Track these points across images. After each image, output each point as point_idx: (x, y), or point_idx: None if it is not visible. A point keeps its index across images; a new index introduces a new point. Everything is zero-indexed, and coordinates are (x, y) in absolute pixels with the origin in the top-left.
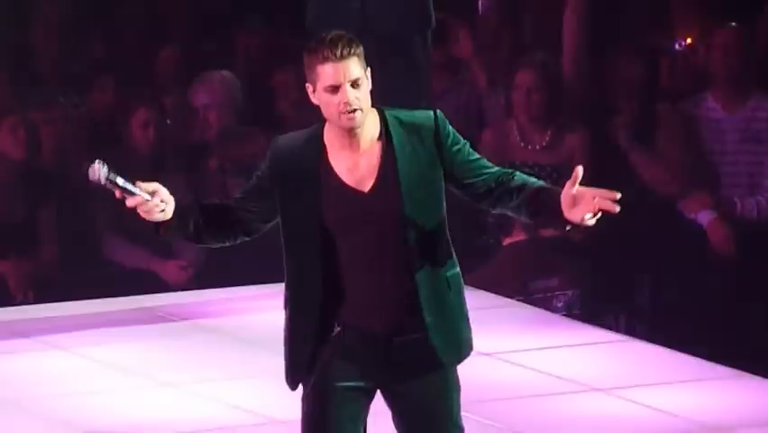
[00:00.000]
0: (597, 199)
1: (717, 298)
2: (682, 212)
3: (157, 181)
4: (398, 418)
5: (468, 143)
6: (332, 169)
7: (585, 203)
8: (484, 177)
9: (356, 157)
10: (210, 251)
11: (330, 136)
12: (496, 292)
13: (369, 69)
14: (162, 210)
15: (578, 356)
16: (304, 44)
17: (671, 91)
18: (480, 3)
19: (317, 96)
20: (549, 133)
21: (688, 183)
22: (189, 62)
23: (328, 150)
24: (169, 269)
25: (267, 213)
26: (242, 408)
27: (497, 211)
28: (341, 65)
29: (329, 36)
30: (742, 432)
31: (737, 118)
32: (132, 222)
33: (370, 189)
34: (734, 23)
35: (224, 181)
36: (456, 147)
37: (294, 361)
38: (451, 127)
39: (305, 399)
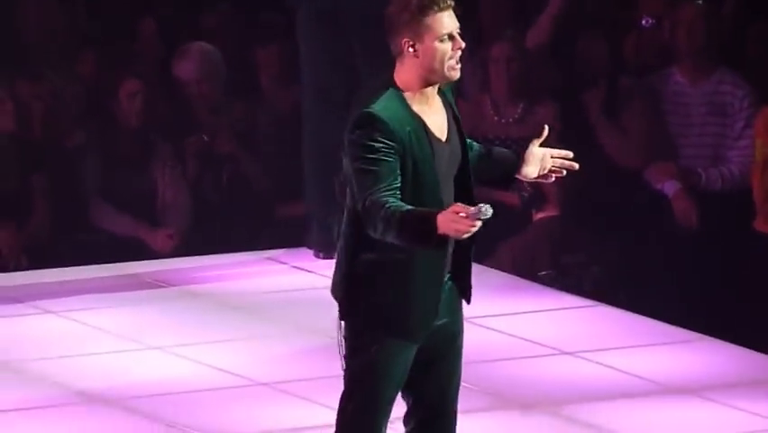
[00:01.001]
0: (556, 159)
1: (682, 265)
2: (648, 182)
3: (146, 155)
4: (424, 353)
5: None
6: (426, 126)
7: (545, 160)
8: None
9: (433, 111)
10: (197, 219)
11: (412, 96)
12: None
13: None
14: None
15: (547, 321)
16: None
17: (637, 66)
18: None
19: (423, 49)
20: (521, 106)
21: (654, 155)
22: (170, 35)
23: (415, 110)
24: (157, 237)
25: None
26: (226, 370)
27: None
28: (450, 13)
29: None
30: (704, 393)
31: (702, 91)
32: (120, 190)
33: (446, 140)
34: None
35: (210, 154)
36: None
37: (423, 305)
38: None
39: (389, 345)
